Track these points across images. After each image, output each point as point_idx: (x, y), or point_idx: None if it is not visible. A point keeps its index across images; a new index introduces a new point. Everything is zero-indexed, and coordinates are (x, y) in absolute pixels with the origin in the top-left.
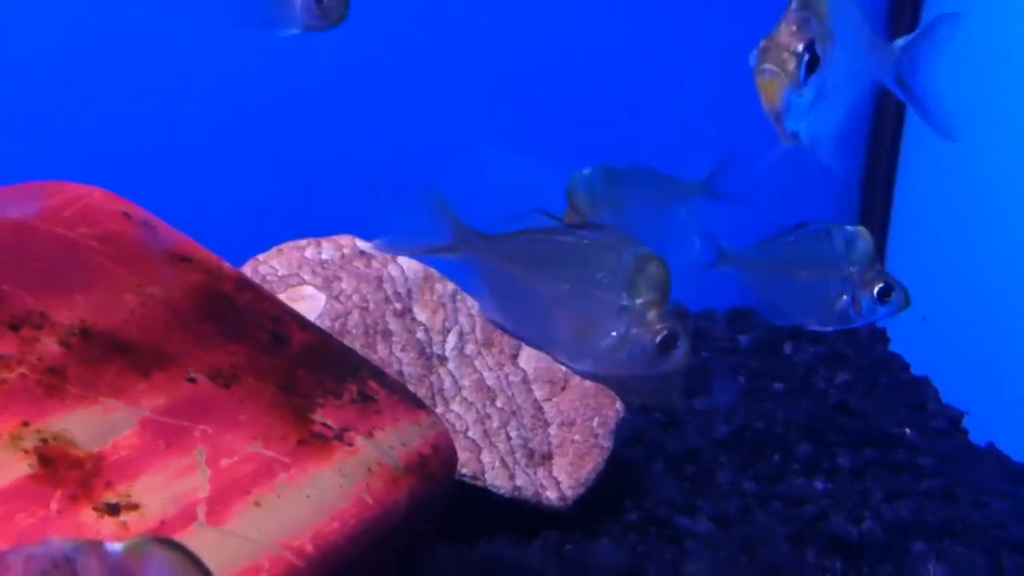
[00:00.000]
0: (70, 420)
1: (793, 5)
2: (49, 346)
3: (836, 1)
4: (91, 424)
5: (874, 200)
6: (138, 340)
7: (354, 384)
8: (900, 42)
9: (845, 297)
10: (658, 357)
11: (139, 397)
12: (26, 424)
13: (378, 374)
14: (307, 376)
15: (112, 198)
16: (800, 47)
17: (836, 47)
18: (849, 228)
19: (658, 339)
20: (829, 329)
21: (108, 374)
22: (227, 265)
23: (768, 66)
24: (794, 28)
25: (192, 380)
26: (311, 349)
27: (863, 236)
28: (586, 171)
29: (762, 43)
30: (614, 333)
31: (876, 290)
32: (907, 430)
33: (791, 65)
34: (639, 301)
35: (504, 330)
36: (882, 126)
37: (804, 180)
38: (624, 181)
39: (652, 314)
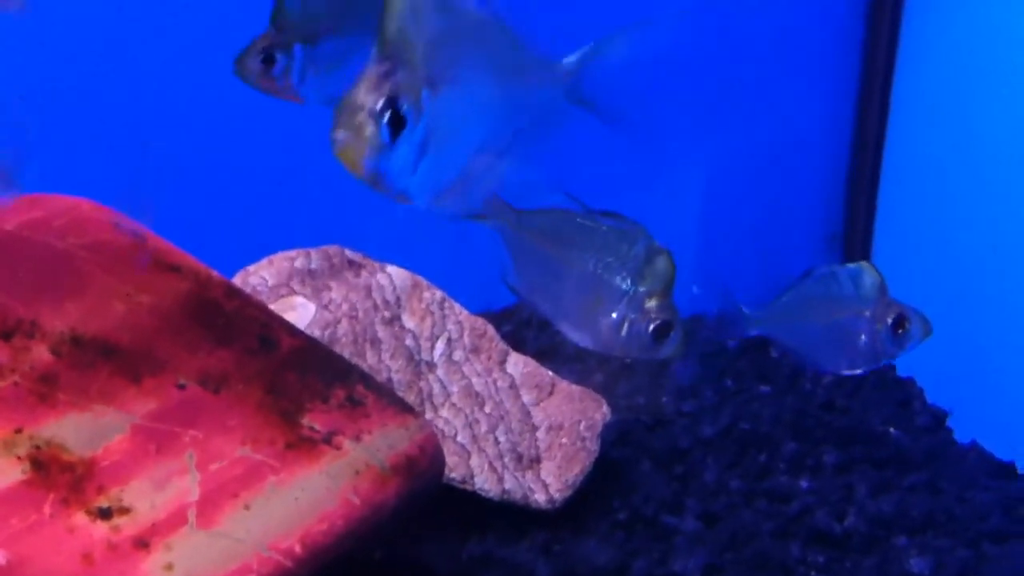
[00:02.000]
0: (62, 426)
1: (373, 54)
2: (41, 354)
3: (470, 29)
4: (83, 430)
5: (858, 203)
6: (128, 346)
7: (342, 389)
8: (572, 58)
9: (863, 336)
10: (652, 343)
11: (129, 403)
12: (19, 431)
13: (366, 379)
14: (295, 380)
15: (100, 209)
16: (378, 105)
17: (451, 87)
18: (852, 266)
19: (652, 326)
20: (861, 371)
21: (99, 380)
22: (215, 273)
23: (340, 133)
24: (372, 83)
25: (181, 386)
26: (299, 354)
27: (868, 271)
28: None
29: (337, 103)
30: (615, 315)
31: (890, 322)
32: (891, 429)
33: (368, 130)
34: (642, 289)
35: (520, 297)
36: (864, 129)
37: (786, 186)
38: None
39: (652, 303)
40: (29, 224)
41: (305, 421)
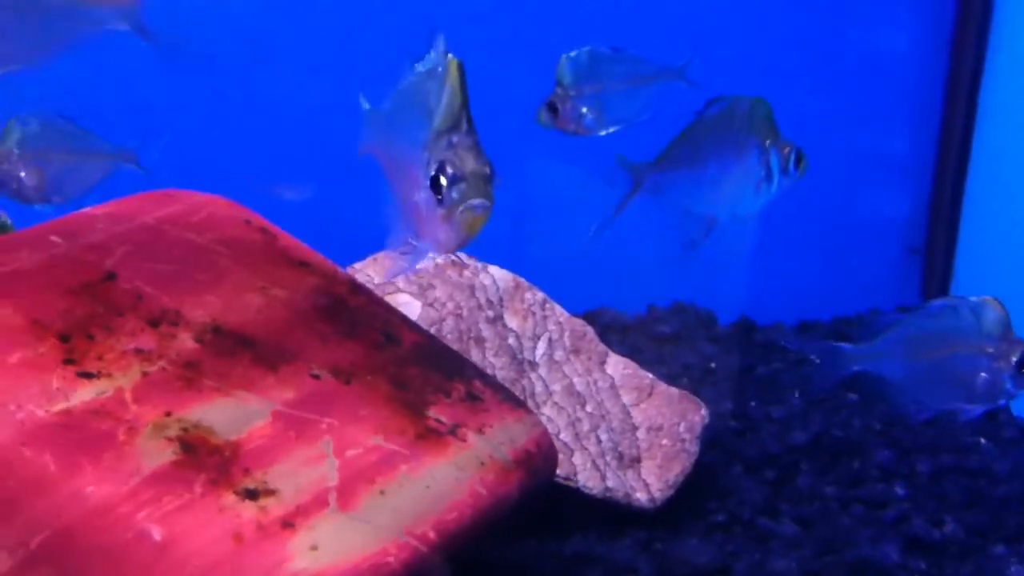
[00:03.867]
0: (208, 410)
1: (465, 126)
2: (185, 342)
3: None
4: (227, 414)
5: (941, 217)
6: (264, 337)
7: (461, 383)
8: None
9: (984, 374)
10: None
11: (269, 390)
12: (168, 414)
13: (482, 375)
14: (418, 374)
15: (233, 206)
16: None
17: None
18: (974, 299)
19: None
20: (977, 412)
21: (240, 368)
22: (340, 270)
23: (480, 202)
24: (478, 152)
25: (316, 376)
26: (420, 349)
27: (992, 305)
28: (573, 53)
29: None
30: (756, 169)
31: (1015, 360)
32: (981, 439)
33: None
34: (768, 141)
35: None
36: (949, 144)
37: (867, 199)
38: (606, 62)
39: (773, 141)
40: (168, 218)
41: (431, 413)
